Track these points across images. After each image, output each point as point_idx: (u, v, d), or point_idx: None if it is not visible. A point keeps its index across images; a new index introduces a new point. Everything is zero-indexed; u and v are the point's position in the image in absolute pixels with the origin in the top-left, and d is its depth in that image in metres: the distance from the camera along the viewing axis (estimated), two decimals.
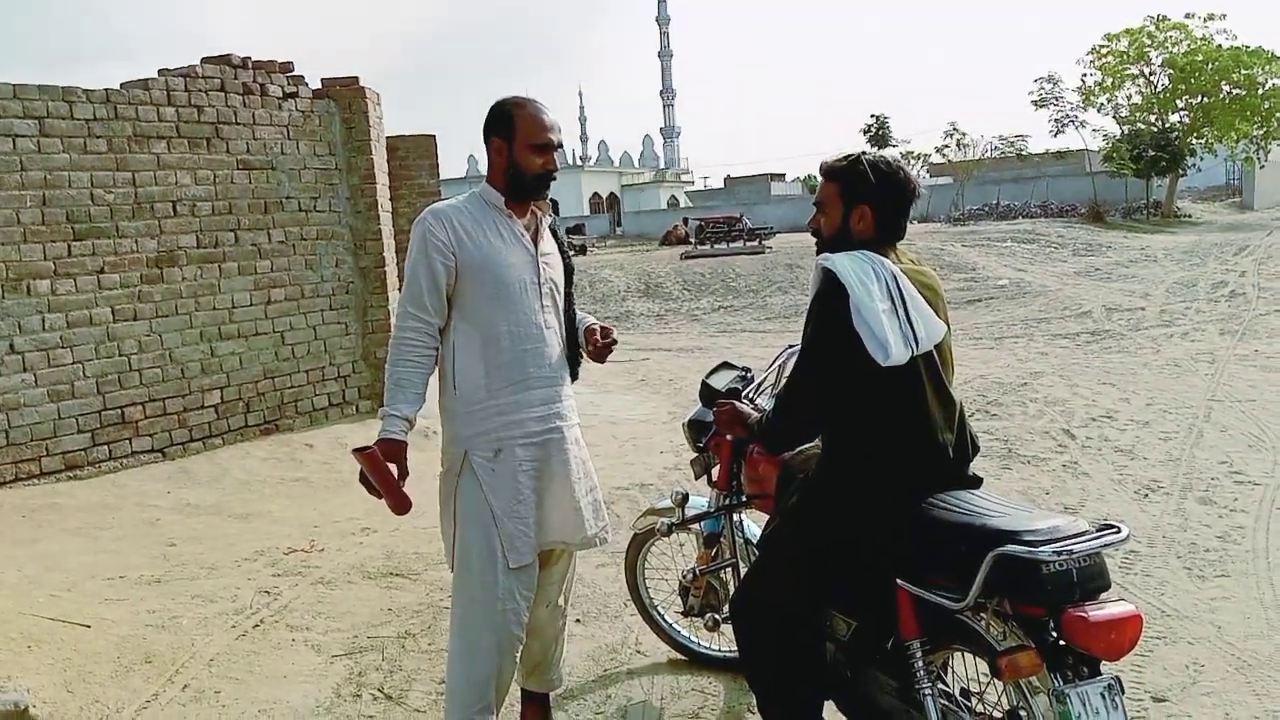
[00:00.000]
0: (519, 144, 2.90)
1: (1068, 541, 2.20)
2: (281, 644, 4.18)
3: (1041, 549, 2.17)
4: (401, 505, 2.83)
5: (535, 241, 3.02)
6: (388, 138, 9.18)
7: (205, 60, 7.38)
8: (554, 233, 3.15)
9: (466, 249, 2.89)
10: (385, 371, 2.94)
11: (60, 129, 6.51)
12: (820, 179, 2.72)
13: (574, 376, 3.15)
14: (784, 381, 2.77)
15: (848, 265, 2.48)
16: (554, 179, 3.01)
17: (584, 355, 3.15)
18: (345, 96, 8.21)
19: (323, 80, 8.23)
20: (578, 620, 4.31)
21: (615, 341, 3.13)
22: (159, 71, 7.17)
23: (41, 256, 6.42)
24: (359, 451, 2.80)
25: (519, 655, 3.05)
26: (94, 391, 6.67)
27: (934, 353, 2.55)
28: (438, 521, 3.09)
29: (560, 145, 2.99)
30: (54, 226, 6.48)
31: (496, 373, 2.92)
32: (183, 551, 5.33)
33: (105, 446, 6.72)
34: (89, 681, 3.73)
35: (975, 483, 2.62)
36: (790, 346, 2.97)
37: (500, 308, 2.92)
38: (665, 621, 3.92)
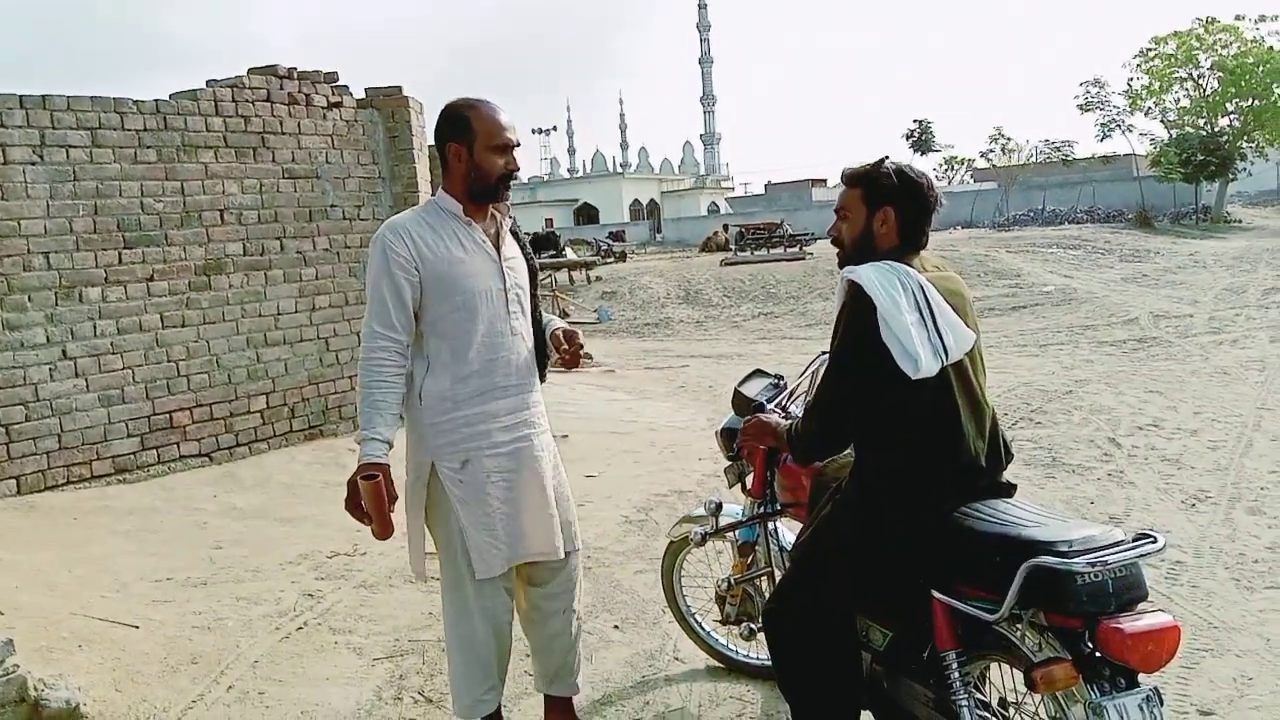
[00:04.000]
0: (479, 146, 2.86)
1: (1103, 552, 2.18)
2: (324, 646, 4.24)
3: (1076, 560, 2.16)
4: (385, 532, 2.80)
5: (498, 247, 2.98)
6: (430, 146, 9.28)
7: (252, 71, 7.51)
8: (515, 235, 3.11)
9: (429, 262, 2.85)
10: (358, 394, 2.89)
11: (112, 139, 6.66)
12: (843, 186, 2.72)
13: (542, 379, 3.14)
14: (814, 390, 2.77)
15: (874, 277, 2.48)
16: (515, 178, 2.98)
17: (551, 361, 3.14)
18: (389, 106, 8.31)
19: (366, 90, 8.34)
20: (616, 626, 4.34)
21: (582, 346, 3.10)
22: (207, 82, 7.31)
23: (93, 264, 6.57)
24: (366, 479, 2.74)
25: (509, 634, 3.09)
26: (143, 396, 6.80)
27: (964, 360, 2.54)
28: None
29: (519, 144, 2.95)
30: (105, 235, 6.63)
31: (463, 384, 2.90)
32: (228, 554, 5.42)
33: (154, 451, 6.85)
34: (137, 681, 3.81)
35: (1009, 490, 2.61)
36: (823, 353, 2.95)
37: (468, 318, 2.89)
38: (703, 629, 3.91)
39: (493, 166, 2.89)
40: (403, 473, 2.99)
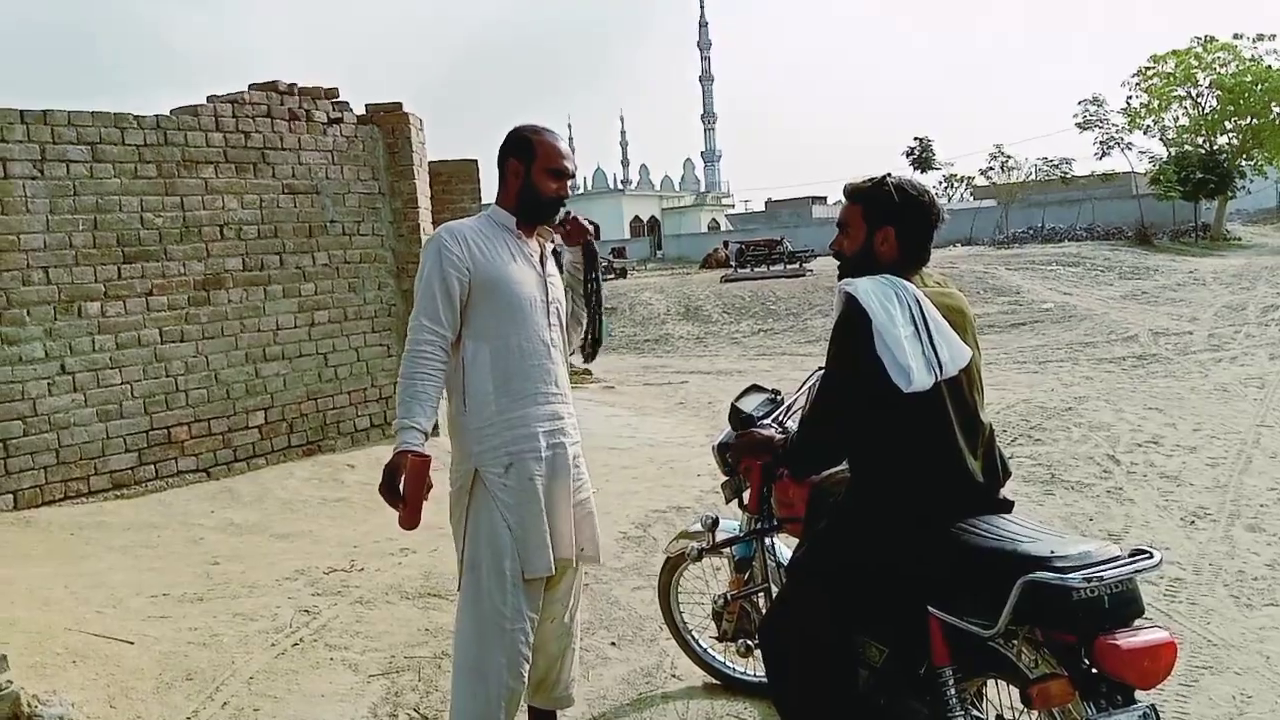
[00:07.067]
0: (537, 168, 3.03)
1: (1098, 567, 2.18)
2: (320, 663, 4.22)
3: (1071, 575, 2.15)
4: (414, 521, 2.85)
5: (542, 263, 3.13)
6: (430, 162, 9.31)
7: (253, 87, 7.54)
8: (556, 257, 3.25)
9: (480, 265, 2.98)
10: (399, 384, 2.96)
11: (112, 154, 6.67)
12: (844, 201, 2.72)
13: (593, 356, 3.36)
14: (809, 404, 2.77)
15: (870, 290, 2.48)
16: (564, 205, 3.13)
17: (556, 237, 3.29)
18: (389, 122, 8.34)
19: (367, 106, 8.37)
20: (613, 643, 4.32)
21: (579, 221, 3.23)
22: (208, 98, 7.33)
23: (93, 279, 6.57)
24: (418, 457, 2.81)
25: (526, 675, 3.05)
26: (141, 411, 6.80)
27: (961, 377, 2.53)
28: None
29: (574, 174, 3.11)
30: (105, 249, 6.64)
31: (505, 388, 2.99)
32: (225, 570, 5.40)
33: (152, 466, 6.84)
34: (131, 697, 3.79)
35: (1006, 507, 2.60)
36: (820, 369, 2.97)
37: (511, 323, 3.00)
38: (700, 646, 3.90)
39: (545, 188, 3.05)
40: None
